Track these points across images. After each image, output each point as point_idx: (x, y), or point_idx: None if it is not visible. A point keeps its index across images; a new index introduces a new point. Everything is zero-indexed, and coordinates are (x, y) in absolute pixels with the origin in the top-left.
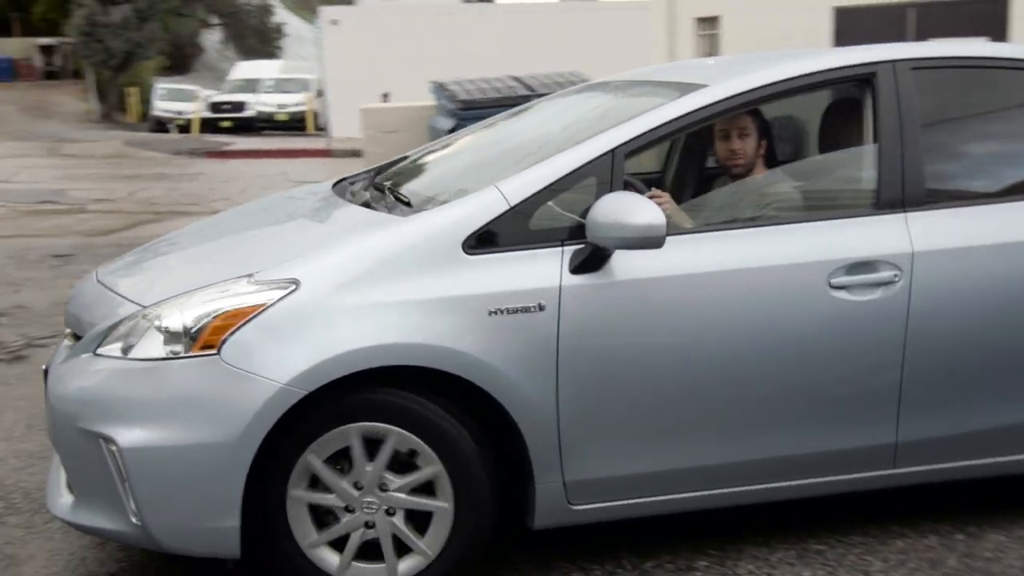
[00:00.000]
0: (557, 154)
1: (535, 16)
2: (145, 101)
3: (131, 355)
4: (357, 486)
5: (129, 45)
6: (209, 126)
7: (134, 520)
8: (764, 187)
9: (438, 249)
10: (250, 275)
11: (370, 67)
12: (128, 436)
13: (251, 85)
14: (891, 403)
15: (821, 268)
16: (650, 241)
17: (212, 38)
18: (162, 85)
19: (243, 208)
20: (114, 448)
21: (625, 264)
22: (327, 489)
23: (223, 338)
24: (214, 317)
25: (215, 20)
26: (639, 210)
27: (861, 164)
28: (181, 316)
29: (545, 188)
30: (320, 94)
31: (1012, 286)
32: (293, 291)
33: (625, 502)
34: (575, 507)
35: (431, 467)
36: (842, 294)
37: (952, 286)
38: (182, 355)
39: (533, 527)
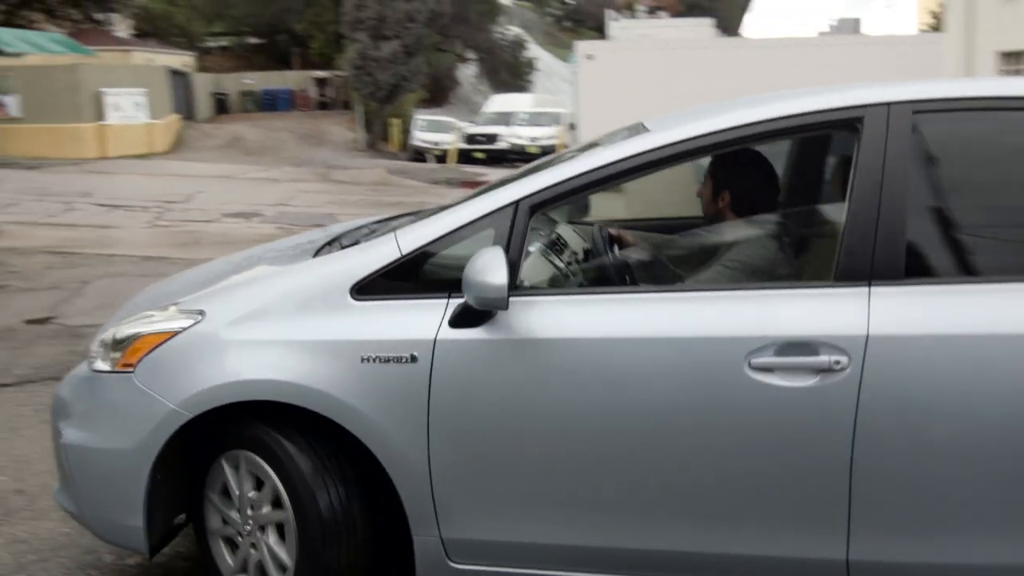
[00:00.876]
0: (462, 204)
1: (794, 50)
2: (405, 131)
3: (92, 366)
4: (240, 512)
5: (396, 78)
6: (464, 157)
7: (80, 507)
8: (713, 244)
9: (327, 293)
10: (176, 303)
11: (622, 101)
12: (69, 433)
13: (504, 118)
14: (837, 512)
15: (738, 345)
16: (492, 302)
17: (467, 72)
18: (422, 116)
19: (282, 240)
20: (62, 442)
21: (511, 323)
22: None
23: (139, 358)
24: (135, 339)
25: (471, 55)
26: (490, 271)
27: (827, 226)
28: (115, 335)
29: (439, 238)
30: (572, 127)
31: (1003, 388)
32: (198, 322)
33: (511, 570)
34: (455, 565)
35: (271, 481)
36: (766, 377)
37: (920, 381)
38: (113, 370)
39: None
